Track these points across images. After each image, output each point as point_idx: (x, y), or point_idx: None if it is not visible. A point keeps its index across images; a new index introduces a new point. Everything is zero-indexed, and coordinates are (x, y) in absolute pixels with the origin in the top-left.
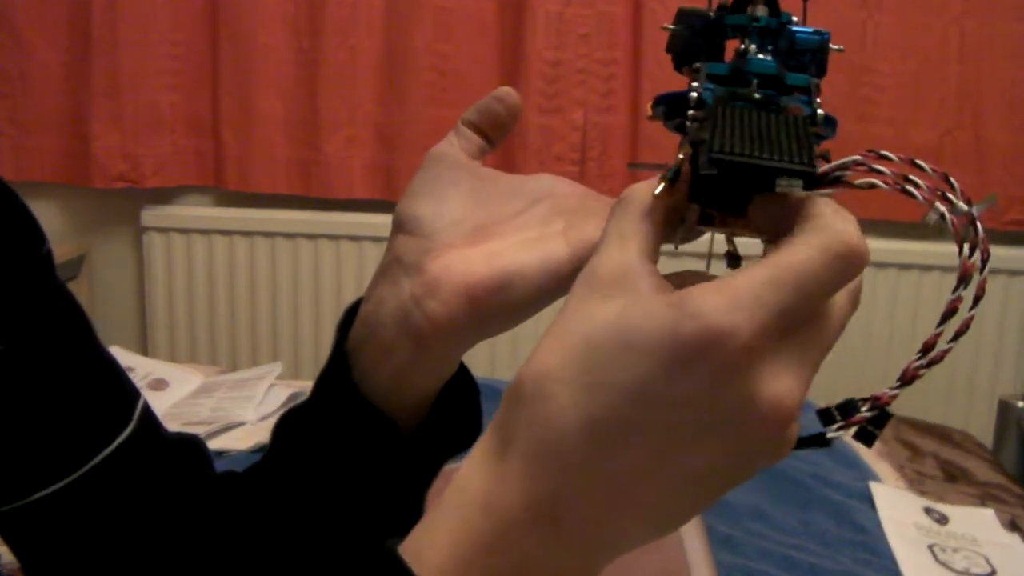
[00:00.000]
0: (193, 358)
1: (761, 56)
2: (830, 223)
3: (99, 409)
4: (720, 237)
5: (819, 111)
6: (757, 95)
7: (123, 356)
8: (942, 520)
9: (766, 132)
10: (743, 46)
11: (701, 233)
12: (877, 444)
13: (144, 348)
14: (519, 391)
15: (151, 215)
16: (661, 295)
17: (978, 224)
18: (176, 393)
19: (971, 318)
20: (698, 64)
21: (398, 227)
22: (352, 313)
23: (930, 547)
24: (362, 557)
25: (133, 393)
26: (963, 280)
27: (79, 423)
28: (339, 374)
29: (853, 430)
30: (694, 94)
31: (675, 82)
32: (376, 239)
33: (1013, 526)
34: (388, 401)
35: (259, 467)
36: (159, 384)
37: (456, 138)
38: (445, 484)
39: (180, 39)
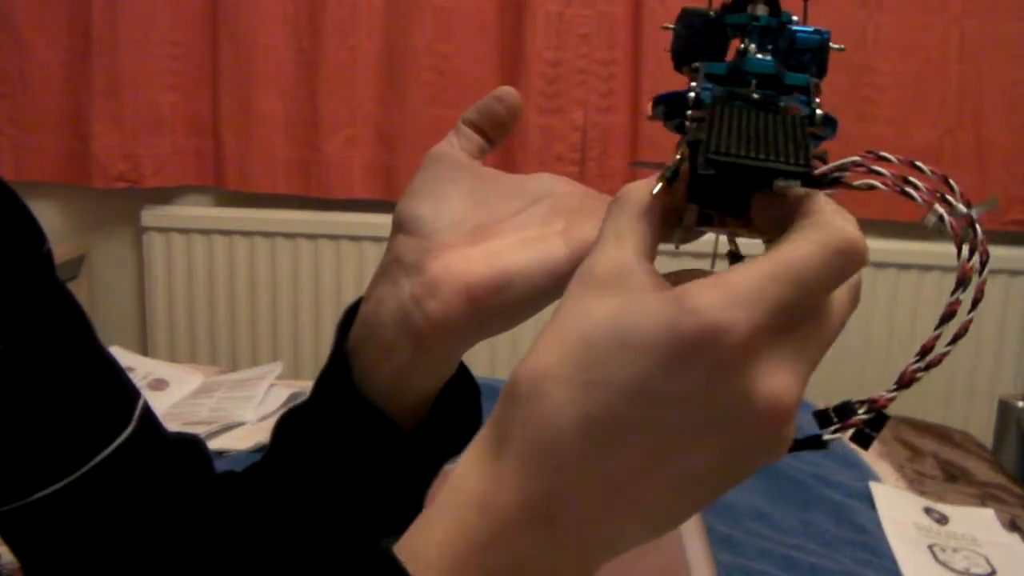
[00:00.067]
0: (193, 358)
1: (760, 56)
2: (829, 219)
3: (99, 409)
4: (723, 237)
5: (818, 111)
6: (755, 95)
7: (123, 356)
8: (942, 520)
9: (763, 132)
10: (743, 45)
11: (701, 233)
12: (877, 444)
13: (144, 348)
14: (515, 390)
15: (151, 215)
16: (659, 293)
17: (977, 227)
18: (176, 393)
19: (969, 321)
20: (697, 64)
21: (398, 227)
22: (352, 313)
23: (930, 547)
24: (357, 557)
25: (133, 393)
26: (962, 283)
27: (79, 423)
28: (339, 374)
29: (850, 432)
30: (692, 94)
31: (675, 82)
32: (376, 239)
33: (1013, 526)
34: (388, 401)
35: (259, 467)
36: (159, 384)
37: (456, 138)
38: (444, 484)
39: (180, 39)
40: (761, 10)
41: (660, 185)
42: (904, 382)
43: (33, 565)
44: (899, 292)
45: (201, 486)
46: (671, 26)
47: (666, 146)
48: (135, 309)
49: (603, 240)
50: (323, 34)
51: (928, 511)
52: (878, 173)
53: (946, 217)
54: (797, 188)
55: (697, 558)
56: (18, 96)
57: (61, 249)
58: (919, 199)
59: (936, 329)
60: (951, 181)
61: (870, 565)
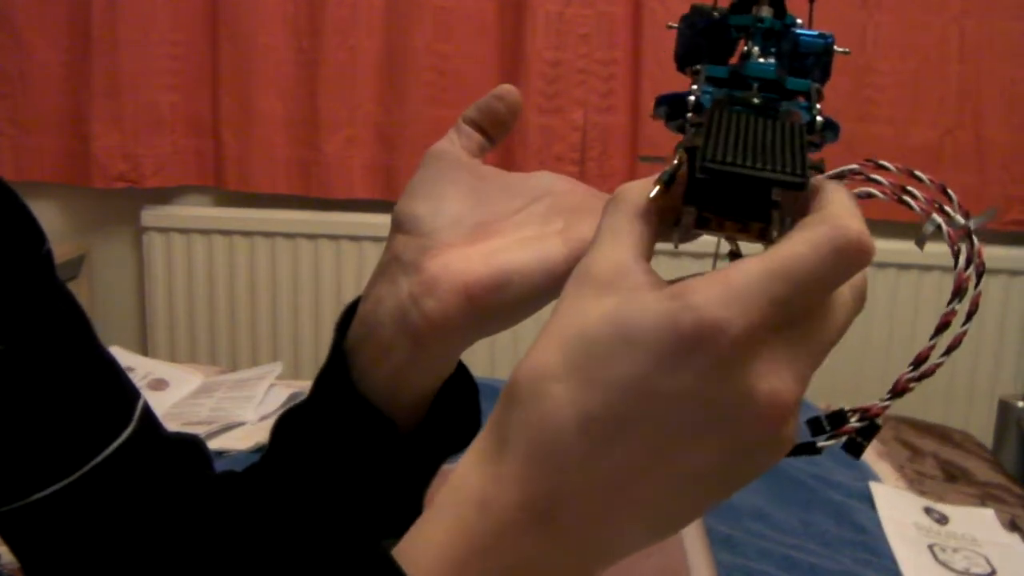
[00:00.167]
0: (193, 358)
1: (761, 60)
2: (833, 216)
3: (99, 409)
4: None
5: (818, 117)
6: (756, 100)
7: (123, 356)
8: (942, 520)
9: (761, 140)
10: (746, 48)
11: (700, 234)
12: (877, 444)
13: (144, 348)
14: (514, 391)
15: (151, 215)
16: (657, 290)
17: (974, 238)
18: (176, 393)
19: (964, 333)
20: (698, 67)
21: (397, 226)
22: (351, 312)
23: (930, 547)
24: (356, 560)
25: (133, 393)
26: (957, 293)
27: (79, 423)
28: (338, 373)
29: (842, 440)
30: (692, 97)
31: (676, 81)
32: (376, 239)
33: (1013, 526)
34: (387, 400)
35: (258, 467)
36: (159, 384)
37: (456, 136)
38: (444, 483)
39: (180, 39)
40: (766, 12)
41: (657, 188)
42: (898, 391)
43: (33, 565)
44: (899, 292)
45: (201, 486)
46: (674, 25)
47: (666, 146)
48: (135, 309)
49: (600, 240)
50: (323, 34)
51: (928, 511)
52: (876, 182)
53: (944, 227)
54: (814, 181)
55: (697, 558)
56: (18, 96)
57: (61, 249)
58: (917, 208)
59: (931, 339)
60: (949, 191)
61: (870, 565)
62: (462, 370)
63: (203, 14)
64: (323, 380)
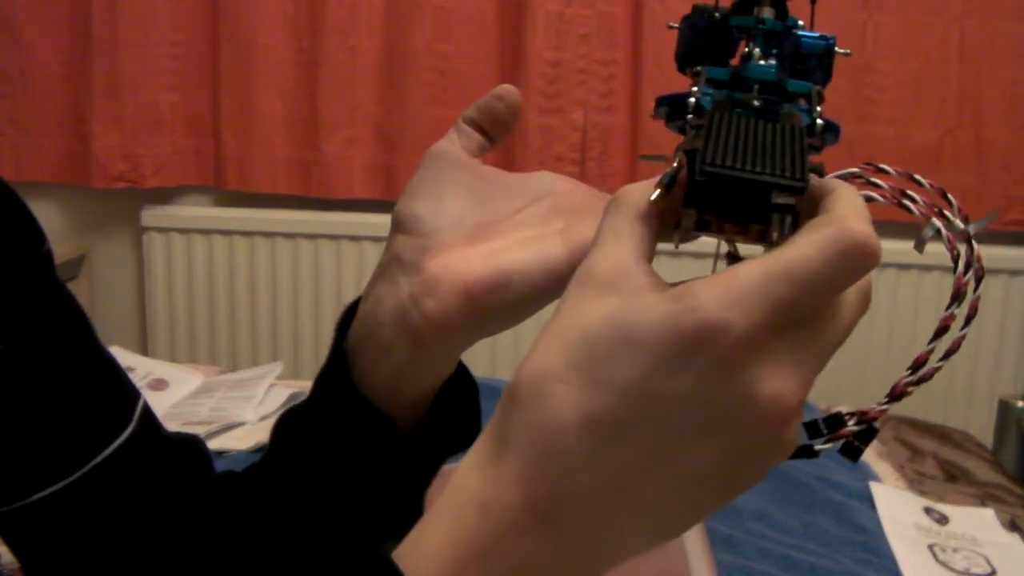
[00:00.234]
0: (193, 358)
1: (762, 62)
2: (840, 218)
3: (99, 409)
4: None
5: (819, 120)
6: (756, 102)
7: (123, 356)
8: (942, 520)
9: (760, 143)
10: (747, 49)
11: (699, 235)
12: (877, 444)
13: (144, 348)
14: (515, 392)
15: (151, 215)
16: (659, 291)
17: (973, 243)
18: (176, 393)
19: (963, 337)
20: (699, 68)
21: (397, 226)
22: (351, 312)
23: (930, 547)
24: (356, 562)
25: (133, 393)
26: (956, 298)
27: (79, 423)
28: (338, 373)
29: (840, 444)
30: (692, 99)
31: (676, 81)
32: (376, 239)
33: (1013, 526)
34: (387, 400)
35: (258, 467)
36: (159, 384)
37: (457, 136)
38: (444, 483)
39: (180, 39)
40: (767, 13)
41: (658, 192)
42: (895, 395)
43: (33, 565)
44: (899, 292)
45: (201, 486)
46: (675, 25)
47: (666, 147)
48: (135, 309)
49: (601, 241)
50: (323, 34)
51: (928, 511)
52: (876, 185)
53: (943, 232)
54: (824, 182)
55: (698, 559)
56: (18, 96)
57: (61, 249)
58: (917, 212)
59: (929, 343)
60: (949, 196)
61: (870, 565)
62: (462, 370)
63: (203, 14)
64: (323, 380)
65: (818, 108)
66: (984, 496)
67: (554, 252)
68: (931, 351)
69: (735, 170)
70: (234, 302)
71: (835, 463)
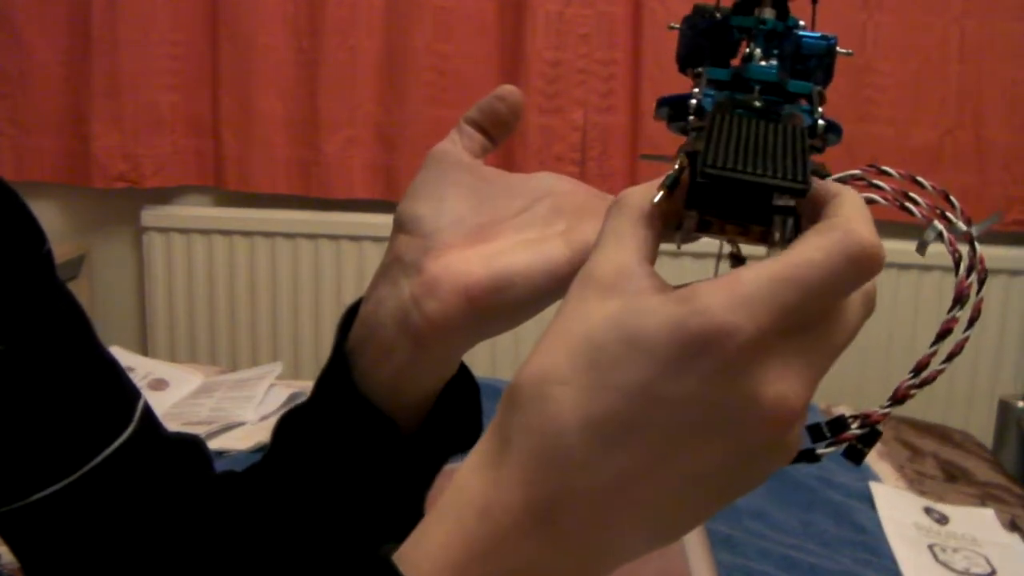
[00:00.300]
0: (193, 358)
1: (763, 63)
2: (846, 223)
3: (99, 409)
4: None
5: (820, 121)
6: (757, 103)
7: (123, 356)
8: (942, 520)
9: (761, 145)
10: (748, 50)
11: (701, 236)
12: (878, 445)
13: (144, 348)
14: (517, 394)
15: (151, 215)
16: (664, 293)
17: (976, 245)
18: (176, 393)
19: (965, 339)
20: (700, 69)
21: (399, 227)
22: (352, 313)
23: (930, 547)
24: (357, 563)
25: (133, 393)
26: (958, 300)
27: (79, 423)
28: (339, 374)
29: (843, 447)
30: (693, 101)
31: (676, 81)
32: (376, 239)
33: (1013, 526)
34: (388, 401)
35: (259, 467)
36: (159, 384)
37: (458, 136)
38: (446, 484)
39: (180, 39)
40: (768, 13)
41: (661, 194)
42: (898, 398)
43: (33, 565)
44: (899, 292)
45: (201, 486)
46: (676, 26)
47: (667, 147)
48: (135, 309)
49: (603, 243)
50: (323, 34)
51: (928, 511)
52: (878, 187)
53: (945, 234)
54: (829, 185)
55: (698, 559)
56: (18, 96)
57: (61, 249)
58: (919, 215)
59: (932, 346)
60: (952, 198)
61: (870, 565)
62: (464, 371)
63: (203, 14)
64: (324, 381)
65: (819, 109)
66: (984, 496)
67: (556, 253)
68: (933, 354)
69: (736, 172)
70: (234, 302)
71: (835, 463)
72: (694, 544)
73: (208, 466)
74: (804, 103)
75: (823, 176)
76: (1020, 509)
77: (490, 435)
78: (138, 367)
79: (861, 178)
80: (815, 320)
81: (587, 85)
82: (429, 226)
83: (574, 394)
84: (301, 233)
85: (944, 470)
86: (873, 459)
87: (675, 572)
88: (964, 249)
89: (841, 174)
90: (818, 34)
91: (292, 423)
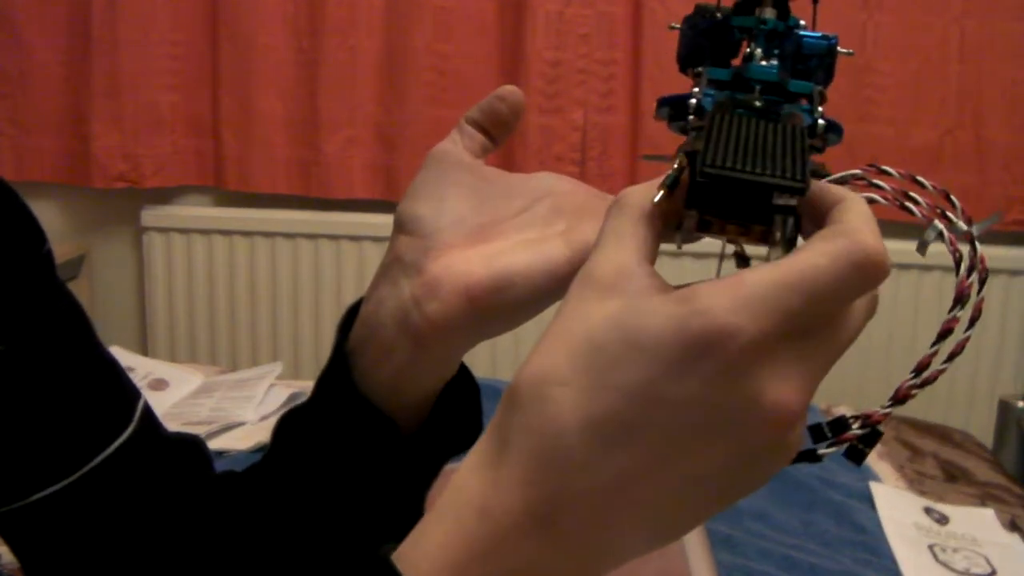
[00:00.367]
0: (193, 358)
1: (763, 63)
2: (852, 231)
3: (99, 409)
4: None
5: (820, 120)
6: (758, 102)
7: (123, 356)
8: (942, 520)
9: (761, 144)
10: (748, 49)
11: (702, 237)
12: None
13: (144, 348)
14: (517, 394)
15: (151, 215)
16: (665, 294)
17: (977, 244)
18: (176, 393)
19: (966, 339)
20: (700, 68)
21: (399, 227)
22: (353, 313)
23: (930, 547)
24: (356, 563)
25: (133, 393)
26: (959, 300)
27: (79, 423)
28: (339, 374)
29: (843, 447)
30: (693, 100)
31: (676, 81)
32: (376, 239)
33: (1013, 526)
34: (388, 401)
35: (259, 467)
36: (159, 384)
37: (459, 137)
38: (446, 484)
39: (180, 39)
40: (769, 13)
41: (661, 193)
42: (899, 398)
43: (33, 565)
44: (900, 292)
45: (201, 486)
46: (677, 26)
47: (667, 147)
48: (135, 309)
49: (603, 243)
50: (323, 34)
51: (928, 511)
52: (879, 187)
53: (945, 234)
54: (834, 190)
55: (698, 559)
56: (18, 96)
57: (61, 249)
58: (919, 215)
59: (932, 346)
60: (952, 197)
61: (870, 565)
62: (464, 372)
63: (203, 14)
64: (325, 381)
65: (820, 108)
66: (984, 496)
67: (556, 253)
68: (934, 354)
69: (735, 171)
70: (234, 302)
71: (835, 463)
72: (694, 544)
73: (208, 466)
74: (805, 103)
75: (823, 175)
76: (1020, 509)
77: (489, 435)
78: (138, 367)
79: (861, 178)
80: (817, 324)
81: (587, 85)
82: (429, 226)
83: (574, 395)
84: (301, 233)
85: (944, 470)
86: (873, 459)
87: (675, 572)
88: (965, 249)
89: (841, 174)
90: (819, 34)
91: (292, 423)
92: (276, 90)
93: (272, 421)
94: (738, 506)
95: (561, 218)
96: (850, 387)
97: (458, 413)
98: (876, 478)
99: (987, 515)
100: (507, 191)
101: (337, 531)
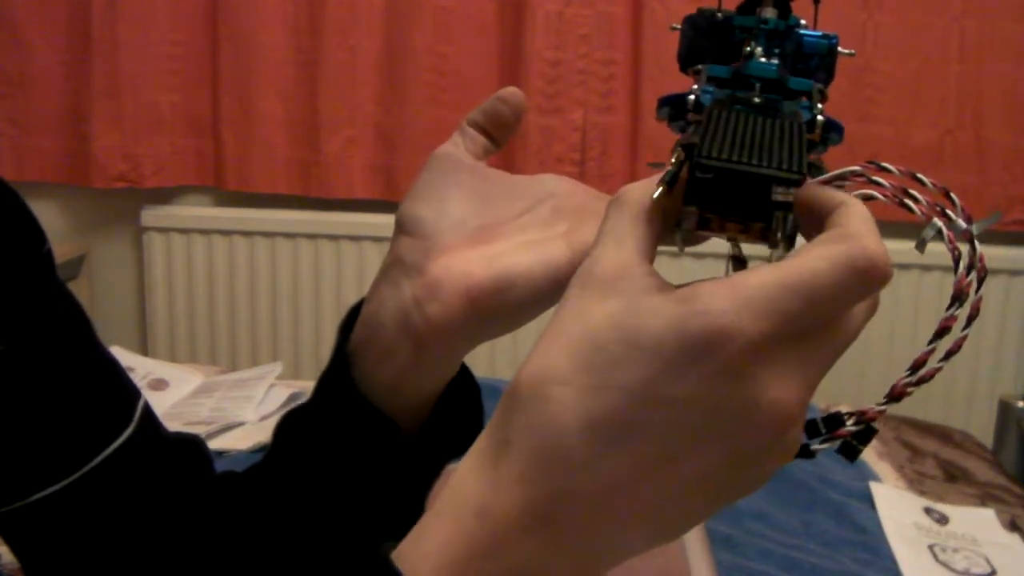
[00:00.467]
0: (193, 358)
1: (763, 60)
2: (854, 235)
3: (99, 409)
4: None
5: (819, 117)
6: (757, 99)
7: (123, 356)
8: (942, 520)
9: (758, 138)
10: (748, 48)
11: (702, 237)
12: (877, 444)
13: (144, 348)
14: (516, 393)
15: (151, 215)
16: (665, 293)
17: (976, 243)
18: (176, 393)
19: (963, 338)
20: (700, 66)
21: (400, 228)
22: (354, 314)
23: (930, 547)
24: (355, 562)
25: (133, 393)
26: (957, 299)
27: (79, 423)
28: (340, 375)
29: (837, 444)
30: (692, 96)
31: (676, 81)
32: (376, 239)
33: (1013, 526)
34: (389, 402)
35: (260, 467)
36: (159, 384)
37: (461, 139)
38: (446, 484)
39: (180, 39)
40: (770, 13)
41: (660, 190)
42: (895, 396)
43: (33, 565)
44: (899, 292)
45: (201, 486)
46: (678, 27)
47: (667, 147)
48: (135, 309)
49: (602, 241)
50: (323, 34)
51: (928, 511)
52: (878, 184)
53: (945, 232)
54: (834, 193)
55: (698, 559)
56: (18, 96)
57: (61, 249)
58: (918, 212)
59: (929, 344)
60: (952, 195)
61: (870, 565)
62: (465, 372)
63: (203, 14)
64: (325, 382)
65: (819, 105)
66: (984, 496)
67: (557, 255)
68: (931, 352)
69: (731, 163)
70: (234, 302)
71: (835, 463)
72: (694, 544)
73: (208, 466)
74: (805, 100)
75: (820, 171)
76: (1020, 509)
77: (488, 435)
78: (138, 367)
79: (861, 174)
80: (818, 326)
81: (587, 85)
82: (430, 227)
83: (574, 395)
84: (301, 233)
85: (944, 470)
86: (873, 459)
87: (675, 572)
88: (964, 247)
89: (841, 170)
90: (819, 33)
91: (293, 424)
92: (276, 90)
93: (272, 421)
94: (738, 506)
95: (562, 220)
96: (849, 386)
97: (459, 414)
98: (876, 478)
99: (987, 515)
100: (509, 192)
101: (337, 531)
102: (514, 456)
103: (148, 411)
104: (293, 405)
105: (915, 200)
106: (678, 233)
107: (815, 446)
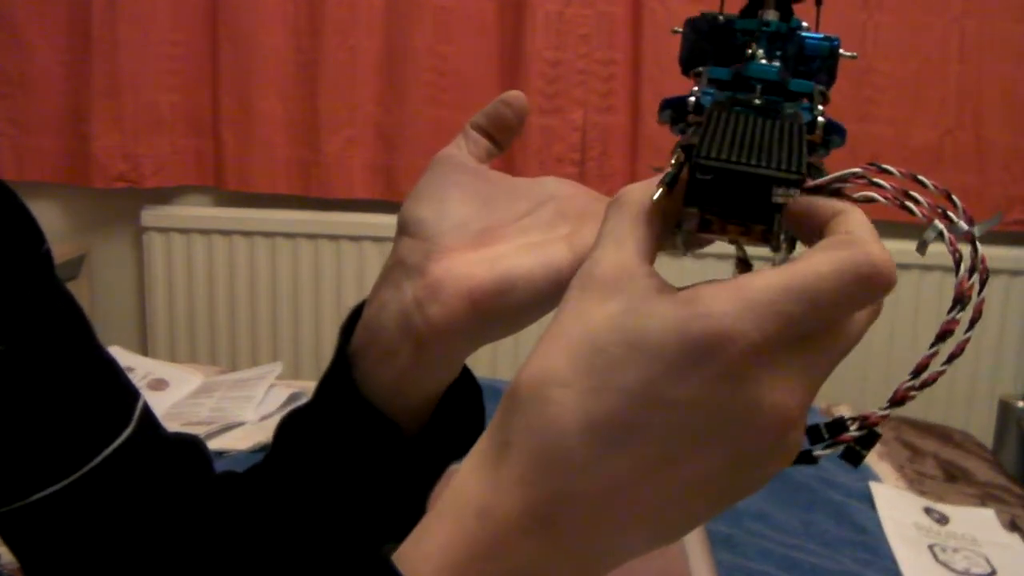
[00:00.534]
0: (193, 358)
1: (764, 62)
2: (859, 241)
3: (99, 410)
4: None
5: (820, 118)
6: (758, 101)
7: (123, 356)
8: (942, 520)
9: (758, 139)
10: (750, 51)
11: (704, 240)
12: (878, 445)
13: (144, 348)
14: (517, 395)
15: (151, 215)
16: (666, 295)
17: (978, 245)
18: (176, 393)
19: (966, 341)
20: (701, 68)
21: (402, 229)
22: (356, 316)
23: (930, 547)
24: (355, 563)
25: (133, 393)
26: (959, 302)
27: (79, 424)
28: (341, 376)
29: (841, 449)
30: (692, 98)
31: (676, 81)
32: (376, 239)
33: (1013, 526)
34: (390, 403)
35: (260, 468)
36: (159, 384)
37: (464, 141)
38: (447, 485)
39: (180, 39)
40: (772, 15)
41: (660, 191)
42: (897, 400)
43: (33, 566)
44: (900, 292)
45: (201, 487)
46: (679, 30)
47: (667, 148)
48: (135, 309)
49: (602, 242)
50: (323, 34)
51: (928, 511)
52: (879, 186)
53: (946, 234)
54: (835, 201)
55: (698, 559)
56: (18, 96)
57: (61, 249)
58: (919, 214)
59: (931, 347)
60: (954, 197)
61: (870, 565)
62: (466, 373)
63: (203, 14)
64: (326, 383)
65: (820, 107)
66: (984, 496)
67: (558, 257)
68: (933, 355)
69: (730, 163)
70: (234, 302)
71: (835, 464)
72: (694, 544)
73: (208, 466)
74: (806, 102)
75: (820, 173)
76: (1020, 509)
77: (489, 436)
78: (138, 367)
79: (862, 176)
80: (819, 330)
81: (587, 85)
82: (432, 229)
83: (575, 396)
84: (301, 233)
85: (944, 470)
86: (873, 459)
87: (675, 572)
88: (965, 249)
89: (842, 172)
90: (821, 35)
91: (294, 425)
92: (276, 90)
93: (272, 421)
94: (738, 506)
95: (564, 222)
96: (851, 388)
97: (461, 415)
98: (876, 478)
99: (987, 515)
100: (510, 195)
101: (338, 532)
102: (514, 458)
103: (147, 411)
104: (294, 406)
105: (916, 202)
106: (679, 235)
107: (818, 452)
